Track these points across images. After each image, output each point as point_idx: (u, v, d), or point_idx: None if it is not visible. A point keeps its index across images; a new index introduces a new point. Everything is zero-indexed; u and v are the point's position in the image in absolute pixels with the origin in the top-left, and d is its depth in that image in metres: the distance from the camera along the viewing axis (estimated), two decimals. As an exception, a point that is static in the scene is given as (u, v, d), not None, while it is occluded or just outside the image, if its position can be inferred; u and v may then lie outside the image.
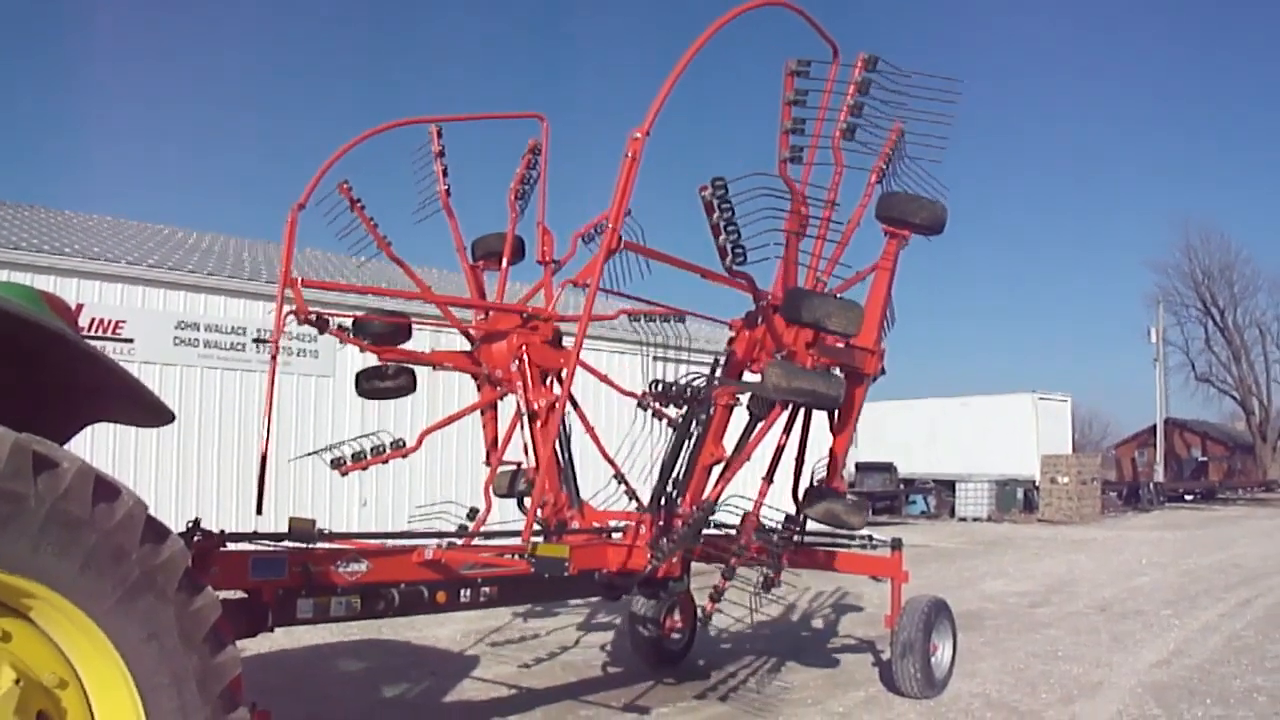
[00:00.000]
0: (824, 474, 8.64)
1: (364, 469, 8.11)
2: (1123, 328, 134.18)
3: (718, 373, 8.08)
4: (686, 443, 7.88)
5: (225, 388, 17.75)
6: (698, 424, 7.80)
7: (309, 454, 8.29)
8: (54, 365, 3.91)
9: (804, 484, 8.70)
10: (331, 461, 7.99)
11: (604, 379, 9.22)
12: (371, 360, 8.46)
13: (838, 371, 8.11)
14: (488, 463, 8.65)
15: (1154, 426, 64.57)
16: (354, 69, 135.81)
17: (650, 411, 8.41)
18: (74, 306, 4.52)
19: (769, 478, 8.10)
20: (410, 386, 8.60)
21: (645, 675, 9.77)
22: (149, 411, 4.32)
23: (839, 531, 8.86)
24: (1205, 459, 70.61)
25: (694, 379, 7.82)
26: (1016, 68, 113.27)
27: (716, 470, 7.93)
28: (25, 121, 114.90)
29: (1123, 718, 8.49)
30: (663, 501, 7.85)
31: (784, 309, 7.28)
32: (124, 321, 16.75)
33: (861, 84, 7.98)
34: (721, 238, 6.79)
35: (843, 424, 8.67)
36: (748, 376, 8.15)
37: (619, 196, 6.28)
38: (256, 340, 17.37)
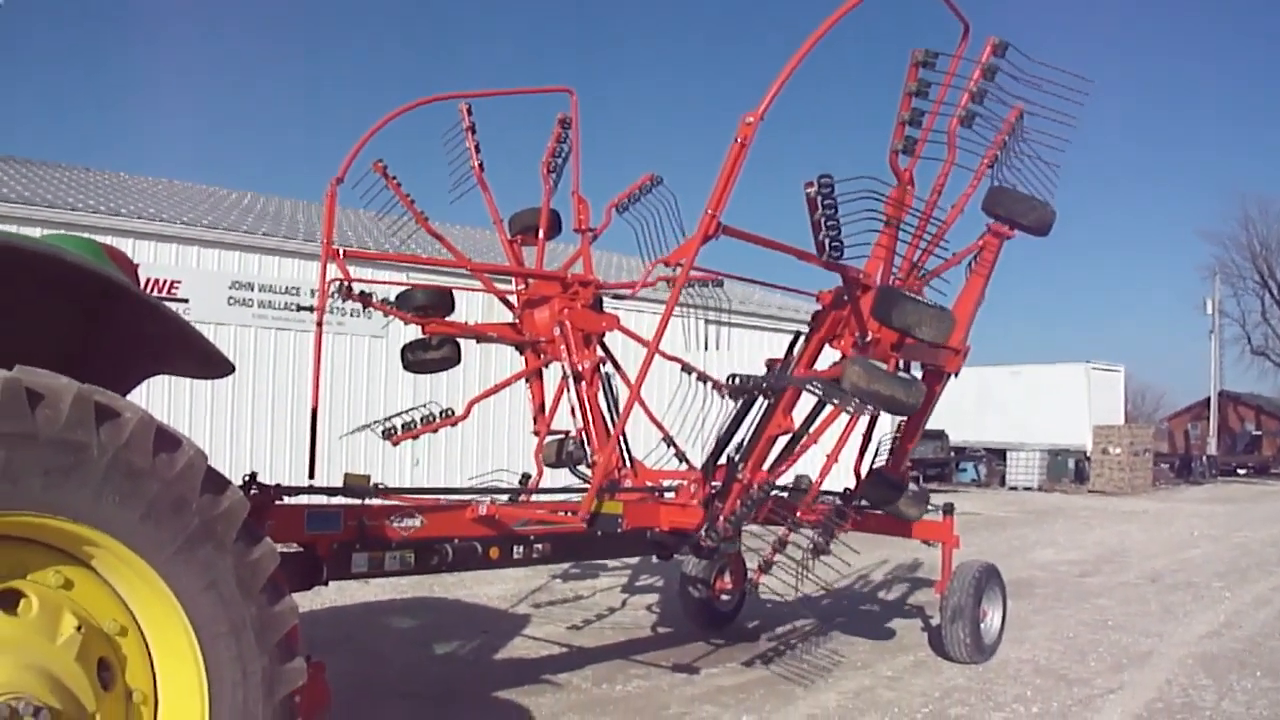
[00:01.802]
0: (889, 451, 8.58)
1: (414, 438, 8.16)
2: (1178, 299, 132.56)
3: (798, 345, 8.03)
4: (753, 410, 7.84)
5: (279, 347, 17.93)
6: (770, 393, 7.75)
7: (360, 428, 8.34)
8: (116, 317, 3.94)
9: (868, 459, 8.65)
10: (383, 432, 8.04)
11: (645, 344, 9.17)
12: (415, 332, 8.49)
13: (917, 369, 8.04)
14: (536, 431, 8.68)
15: (1208, 399, 63.97)
16: (401, 41, 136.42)
17: (725, 397, 8.32)
18: (132, 263, 4.56)
19: (835, 455, 8.07)
20: (455, 358, 8.62)
21: (695, 637, 9.80)
22: (209, 363, 4.34)
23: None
24: (1259, 433, 69.57)
25: (771, 371, 7.78)
26: (1068, 34, 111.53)
27: (780, 443, 7.90)
28: (82, 86, 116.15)
29: (1172, 687, 8.42)
30: (719, 463, 7.84)
31: (875, 309, 7.09)
32: (179, 281, 16.96)
33: (988, 70, 7.79)
34: (821, 234, 6.70)
35: (916, 419, 8.60)
36: (828, 353, 8.08)
37: (723, 182, 6.14)
38: (301, 308, 17.52)
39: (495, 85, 9.73)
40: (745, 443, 7.80)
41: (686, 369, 8.49)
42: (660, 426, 8.95)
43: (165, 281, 16.73)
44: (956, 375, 8.83)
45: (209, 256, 17.60)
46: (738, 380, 7.65)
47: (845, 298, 7.69)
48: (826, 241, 6.66)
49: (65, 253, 3.52)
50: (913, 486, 8.88)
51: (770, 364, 8.39)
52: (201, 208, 20.32)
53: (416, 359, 8.58)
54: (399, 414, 8.16)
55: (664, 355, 8.93)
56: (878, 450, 8.89)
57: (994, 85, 7.85)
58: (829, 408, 7.52)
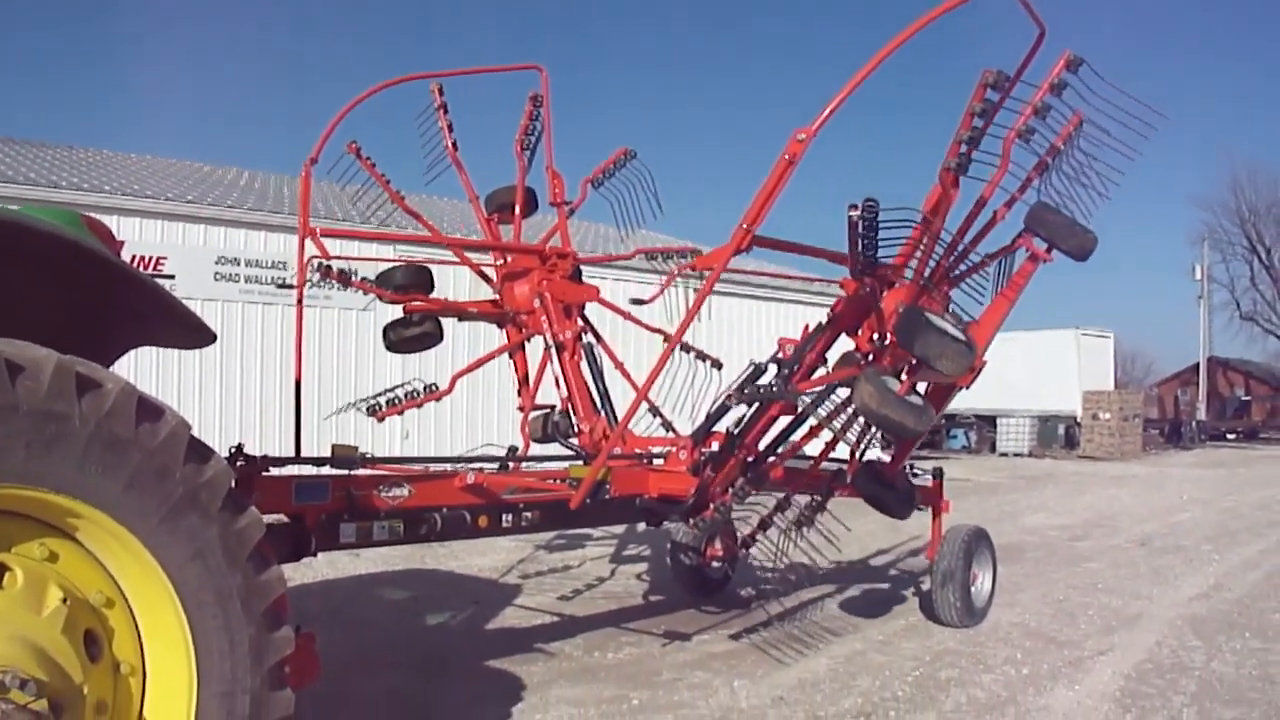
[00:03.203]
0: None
1: (400, 414, 8.15)
2: (1167, 265, 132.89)
3: (814, 332, 7.99)
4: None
5: (266, 322, 17.90)
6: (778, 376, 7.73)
7: (345, 407, 8.31)
8: (95, 287, 3.92)
9: (864, 442, 8.65)
10: (368, 409, 8.04)
11: (628, 317, 9.14)
12: (397, 311, 8.47)
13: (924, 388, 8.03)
14: (521, 406, 8.66)
15: (1197, 365, 64.06)
16: (385, 17, 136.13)
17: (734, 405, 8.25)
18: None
19: (833, 443, 8.02)
20: (438, 335, 8.58)
21: (686, 604, 9.83)
22: (190, 332, 4.32)
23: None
24: (1248, 398, 69.78)
25: (782, 377, 7.78)
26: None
27: (782, 422, 7.87)
28: (65, 64, 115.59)
29: (1162, 649, 8.46)
30: (711, 430, 7.83)
31: (898, 331, 6.95)
32: (165, 258, 16.92)
33: (1057, 85, 7.56)
34: (857, 251, 6.64)
35: None
36: (843, 341, 8.03)
37: (763, 198, 6.05)
38: (282, 286, 17.48)
39: (473, 67, 9.63)
40: (746, 419, 7.77)
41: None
42: (645, 397, 8.94)
43: (151, 258, 16.67)
44: (968, 389, 8.78)
45: (194, 232, 17.55)
46: (747, 390, 7.62)
47: (868, 290, 7.60)
48: (861, 259, 6.62)
49: (41, 222, 3.49)
50: (906, 485, 8.86)
51: (782, 343, 8.37)
52: (186, 184, 20.26)
53: (399, 337, 8.58)
54: (384, 391, 8.15)
55: (647, 327, 8.95)
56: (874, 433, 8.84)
57: (1058, 100, 7.63)
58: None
